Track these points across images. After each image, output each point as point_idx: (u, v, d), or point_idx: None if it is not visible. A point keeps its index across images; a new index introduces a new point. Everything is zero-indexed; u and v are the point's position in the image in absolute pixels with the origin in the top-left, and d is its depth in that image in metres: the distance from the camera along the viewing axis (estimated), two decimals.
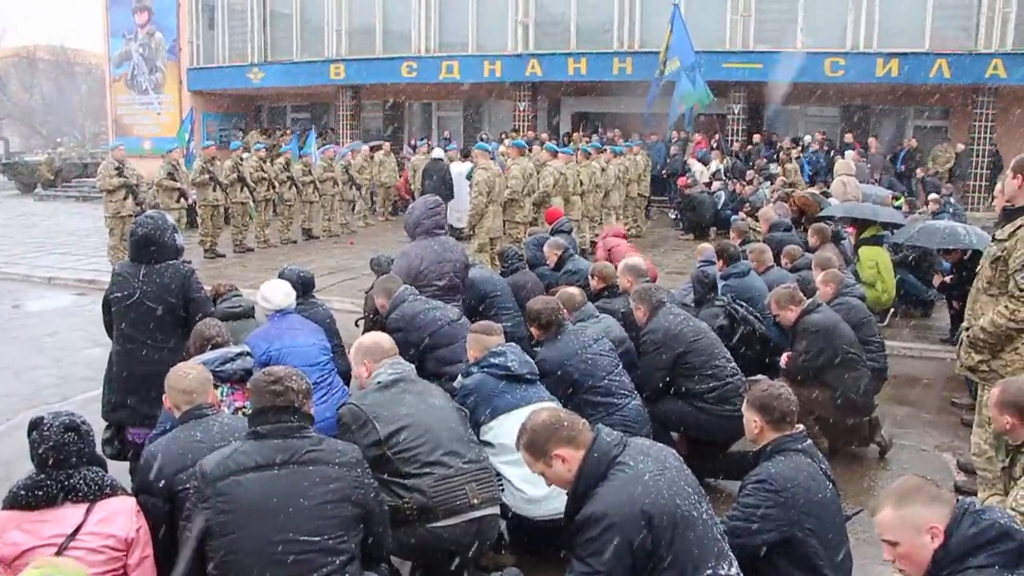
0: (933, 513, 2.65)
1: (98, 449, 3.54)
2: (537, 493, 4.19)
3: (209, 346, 4.56)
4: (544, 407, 3.27)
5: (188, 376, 3.75)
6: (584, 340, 5.25)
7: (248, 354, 4.59)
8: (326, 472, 3.19)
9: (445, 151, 17.23)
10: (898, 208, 13.26)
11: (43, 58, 47.90)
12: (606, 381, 5.13)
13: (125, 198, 13.17)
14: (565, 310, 5.52)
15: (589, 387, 5.07)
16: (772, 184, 16.00)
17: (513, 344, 4.88)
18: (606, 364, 5.21)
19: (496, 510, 4.01)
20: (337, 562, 3.09)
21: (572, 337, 5.25)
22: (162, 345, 4.93)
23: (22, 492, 3.08)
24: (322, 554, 3.07)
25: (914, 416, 7.23)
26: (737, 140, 20.89)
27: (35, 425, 3.22)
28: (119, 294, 5.01)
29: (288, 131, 24.75)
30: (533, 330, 5.43)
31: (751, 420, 3.72)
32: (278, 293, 5.45)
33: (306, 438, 3.25)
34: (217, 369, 4.23)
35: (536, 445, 3.15)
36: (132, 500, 3.27)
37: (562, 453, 3.09)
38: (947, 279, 9.26)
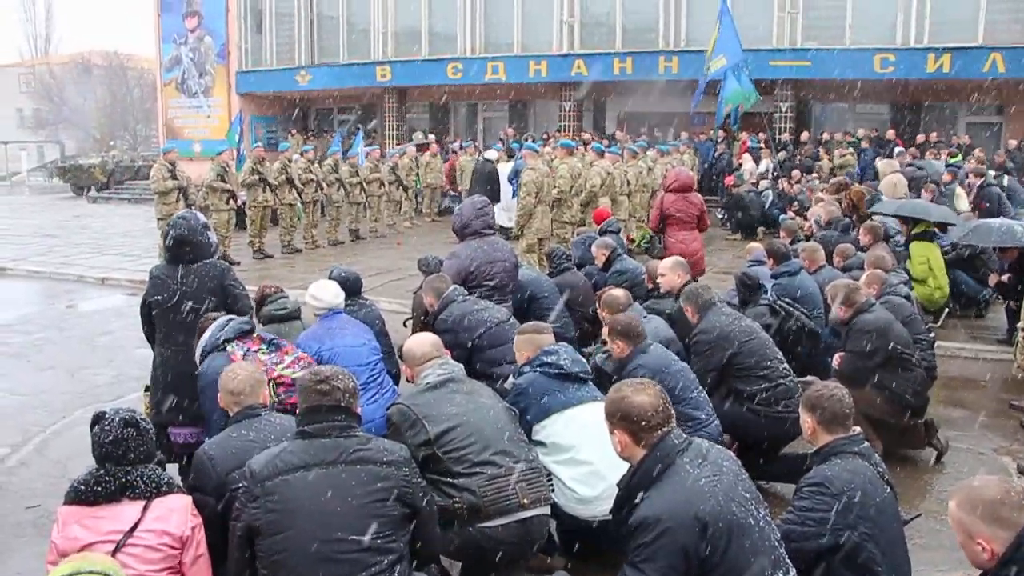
0: (987, 532, 2.61)
1: None
2: (589, 493, 4.16)
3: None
4: (657, 389, 3.20)
5: (236, 377, 3.78)
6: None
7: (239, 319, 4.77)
8: (374, 471, 3.19)
9: (489, 149, 17.24)
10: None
11: (97, 64, 48.92)
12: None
13: (177, 200, 13.36)
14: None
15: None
16: (820, 180, 15.77)
17: (565, 343, 4.85)
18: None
19: (546, 511, 3.99)
20: (386, 562, 3.09)
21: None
22: None
23: (82, 487, 3.12)
24: (371, 553, 3.07)
25: (971, 419, 7.05)
26: (784, 138, 20.62)
27: (97, 419, 3.27)
28: (159, 297, 5.08)
29: (331, 133, 24.91)
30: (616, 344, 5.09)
31: (804, 420, 3.68)
32: (328, 292, 5.46)
33: (354, 437, 3.26)
34: (218, 334, 4.53)
35: (610, 409, 3.19)
36: (188, 498, 3.30)
37: (621, 438, 3.13)
38: (1004, 278, 9.05)
